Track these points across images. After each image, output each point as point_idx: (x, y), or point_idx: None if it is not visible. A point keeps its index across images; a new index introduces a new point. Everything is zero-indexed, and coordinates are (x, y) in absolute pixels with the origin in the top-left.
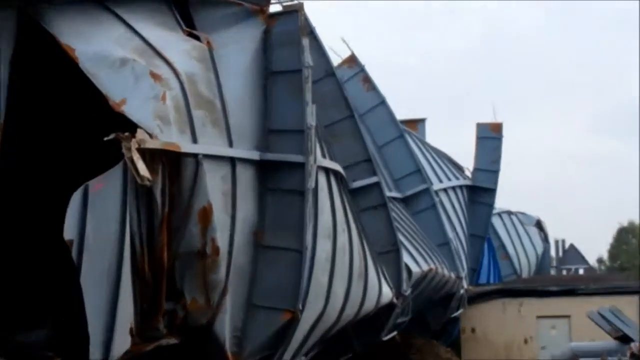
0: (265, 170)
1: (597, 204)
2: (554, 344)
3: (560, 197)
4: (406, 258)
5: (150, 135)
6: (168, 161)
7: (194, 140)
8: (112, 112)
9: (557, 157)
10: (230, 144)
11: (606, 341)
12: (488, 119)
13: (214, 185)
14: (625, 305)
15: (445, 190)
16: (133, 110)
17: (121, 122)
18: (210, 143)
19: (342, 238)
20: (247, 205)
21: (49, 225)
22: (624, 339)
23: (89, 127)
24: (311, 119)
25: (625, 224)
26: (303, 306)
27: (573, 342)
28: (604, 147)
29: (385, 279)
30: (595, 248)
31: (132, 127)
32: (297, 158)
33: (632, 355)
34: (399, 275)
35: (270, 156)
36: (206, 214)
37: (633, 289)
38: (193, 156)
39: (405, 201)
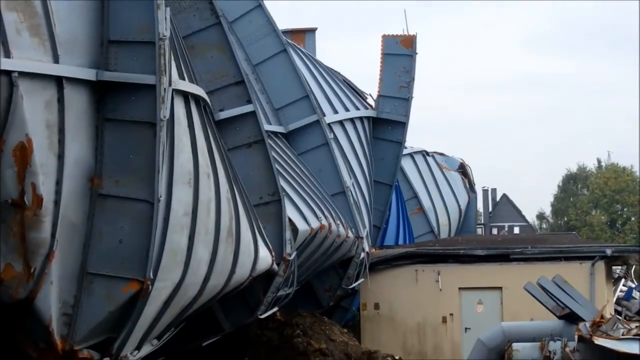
0: (103, 95)
1: (538, 143)
2: (481, 324)
3: (490, 134)
4: (290, 211)
5: None
6: None
7: (6, 52)
8: None
9: (486, 81)
10: (56, 59)
11: (548, 321)
12: (398, 29)
13: (34, 113)
14: (574, 274)
15: (341, 123)
16: None
17: None
18: (29, 57)
19: (206, 185)
20: (79, 141)
21: None
22: (571, 318)
23: None
24: (164, 26)
25: (574, 169)
26: (155, 274)
27: (505, 321)
28: (545, 66)
29: (263, 239)
30: (535, 200)
31: None
32: (145, 79)
33: (581, 338)
34: (281, 235)
35: (110, 75)
36: (24, 153)
37: (584, 253)
38: (5, 74)
39: (290, 137)
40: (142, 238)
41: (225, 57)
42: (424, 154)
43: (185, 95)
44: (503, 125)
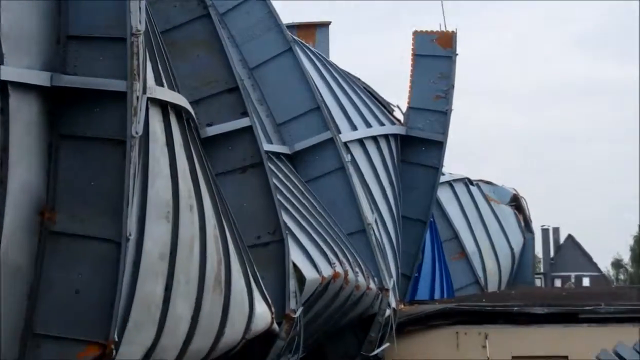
0: (59, 105)
1: (609, 166)
2: None
3: (548, 156)
4: (295, 255)
5: None
6: None
7: None
8: None
9: (535, 89)
10: (0, 59)
11: None
12: (433, 24)
13: None
14: None
15: (361, 142)
16: None
17: None
18: None
19: (189, 220)
20: (27, 163)
21: None
22: None
23: None
24: (138, 18)
25: None
26: (121, 335)
27: None
28: (607, 69)
29: (261, 290)
30: (610, 243)
31: None
32: (113, 84)
33: None
34: (284, 285)
35: (68, 80)
36: None
37: None
38: None
39: (296, 160)
40: (105, 288)
41: (215, 58)
42: (467, 182)
43: (164, 106)
44: (563, 143)
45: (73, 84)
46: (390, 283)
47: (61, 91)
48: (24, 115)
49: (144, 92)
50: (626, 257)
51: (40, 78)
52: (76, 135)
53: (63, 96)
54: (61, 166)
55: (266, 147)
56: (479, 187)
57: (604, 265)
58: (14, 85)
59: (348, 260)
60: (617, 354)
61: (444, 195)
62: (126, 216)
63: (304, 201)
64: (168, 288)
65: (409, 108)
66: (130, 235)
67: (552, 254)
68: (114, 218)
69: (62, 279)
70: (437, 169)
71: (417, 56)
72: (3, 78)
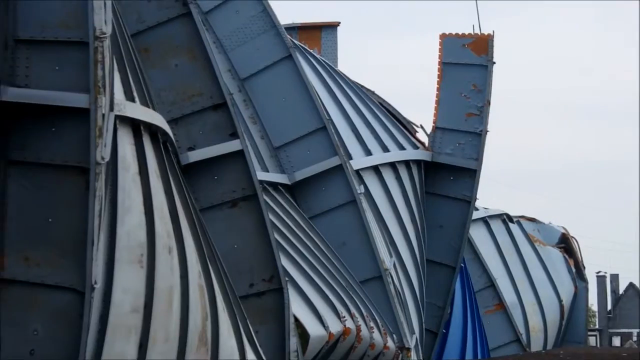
0: (7, 124)
1: None
2: None
3: (603, 186)
4: (297, 307)
5: None
6: None
7: None
8: None
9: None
10: None
11: None
12: (465, 27)
13: None
14: None
15: (377, 169)
16: None
17: None
18: None
19: (167, 266)
20: None
21: None
22: None
23: None
24: (103, 17)
25: None
26: None
27: None
28: None
29: (255, 349)
30: None
31: None
32: (73, 99)
33: None
34: (283, 343)
35: (18, 94)
36: None
37: None
38: None
39: (297, 191)
40: (65, 347)
41: (197, 67)
42: (506, 218)
43: (136, 126)
44: (619, 171)
45: (23, 99)
46: (412, 341)
47: (9, 107)
48: None
49: (111, 108)
50: None
51: None
52: (27, 161)
53: (11, 113)
54: (11, 199)
55: (261, 175)
56: (520, 224)
57: None
58: None
59: (361, 313)
60: None
61: (477, 234)
62: (91, 260)
63: (307, 242)
64: (142, 347)
65: (435, 128)
66: (96, 283)
67: (609, 306)
68: (76, 262)
69: (13, 337)
70: (469, 203)
71: (445, 64)
72: None
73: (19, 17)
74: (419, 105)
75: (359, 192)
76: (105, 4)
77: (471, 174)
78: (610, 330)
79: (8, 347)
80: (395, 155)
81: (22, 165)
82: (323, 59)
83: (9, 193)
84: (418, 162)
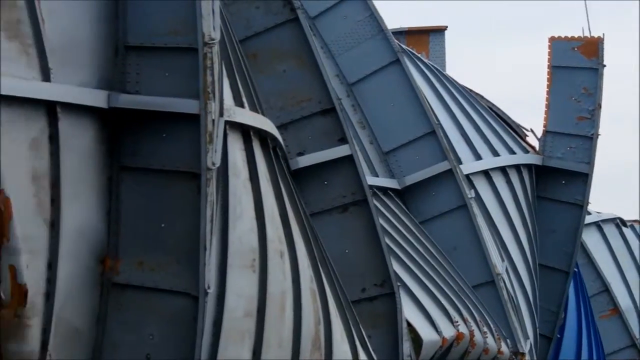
0: (118, 130)
1: None
2: None
3: None
4: (409, 312)
5: None
6: None
7: None
8: None
9: None
10: (46, 75)
11: None
12: (574, 30)
13: (13, 158)
14: None
15: (487, 174)
16: None
17: None
18: (5, 72)
19: (279, 270)
20: (83, 200)
21: None
22: None
23: None
24: (211, 24)
25: None
26: None
27: None
28: None
29: (368, 353)
30: None
31: None
32: (183, 105)
33: None
34: (396, 347)
35: (129, 100)
36: None
37: None
38: None
39: (408, 196)
40: (180, 351)
41: (305, 72)
42: (619, 222)
43: (246, 131)
44: None
45: (135, 105)
46: (526, 346)
47: (121, 113)
48: (77, 144)
49: (221, 114)
50: None
51: (96, 98)
52: (139, 167)
53: (123, 119)
54: (124, 204)
55: (370, 180)
56: (634, 228)
57: None
58: (64, 107)
59: (474, 318)
60: None
61: (590, 238)
62: (204, 265)
63: (418, 246)
64: (256, 352)
65: (546, 132)
66: (209, 288)
67: None
68: (190, 267)
69: (128, 342)
70: (581, 207)
71: (554, 68)
72: (50, 98)
73: (129, 23)
74: (529, 109)
75: (469, 196)
76: (213, 10)
77: (583, 178)
78: None
79: (124, 351)
80: (505, 159)
81: (134, 171)
82: (431, 63)
83: (122, 199)
84: (529, 166)
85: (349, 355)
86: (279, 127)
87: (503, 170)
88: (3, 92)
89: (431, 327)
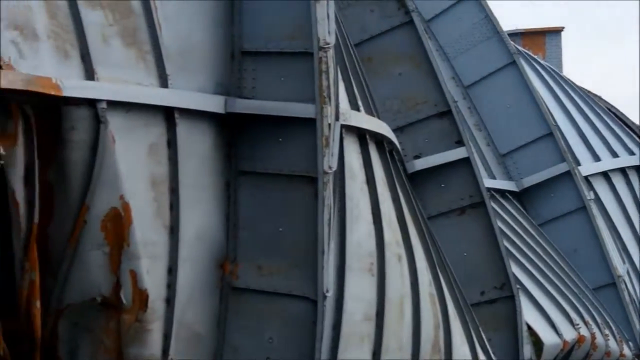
0: (236, 135)
1: None
2: None
3: None
4: (529, 314)
5: None
6: (37, 116)
7: (88, 71)
8: None
9: None
10: (164, 81)
11: None
12: None
13: (132, 164)
14: None
15: (606, 175)
16: None
17: None
18: (121, 78)
19: (397, 274)
20: (202, 206)
21: None
22: None
23: None
24: (327, 28)
25: None
26: None
27: None
28: None
29: (488, 356)
30: None
31: None
32: (299, 109)
33: None
34: (517, 350)
35: (246, 105)
36: (119, 225)
37: None
38: (86, 105)
39: (525, 198)
40: (300, 355)
41: (421, 75)
42: None
43: (362, 135)
44: None
45: (251, 110)
46: None
47: (238, 118)
48: (195, 149)
49: (337, 118)
50: None
51: (213, 103)
52: (257, 172)
53: (240, 124)
54: (242, 209)
55: (488, 182)
56: None
57: None
58: (181, 113)
59: (595, 320)
60: None
61: None
62: (322, 269)
63: (537, 249)
64: (375, 355)
65: None
66: (327, 292)
67: None
68: (308, 271)
69: (248, 345)
70: None
71: None
72: (168, 104)
73: (244, 29)
74: None
75: (588, 198)
76: (328, 14)
77: None
78: None
79: (244, 355)
80: (625, 160)
81: (252, 176)
82: (547, 64)
83: (239, 203)
84: None
85: (469, 357)
86: (395, 130)
87: (623, 171)
88: (121, 99)
89: (552, 330)
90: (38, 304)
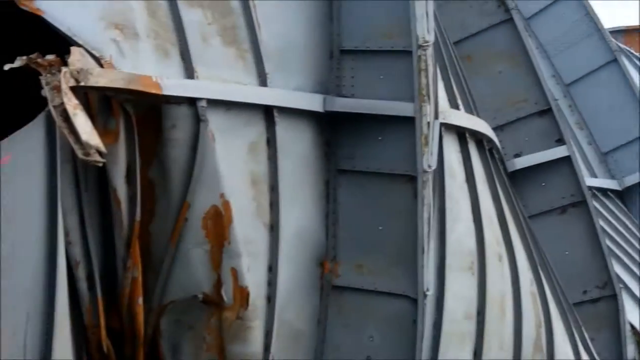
0: (335, 133)
1: None
2: None
3: None
4: (633, 314)
5: (99, 61)
6: (138, 114)
7: (187, 70)
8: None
9: None
10: (263, 80)
11: None
12: None
13: (232, 163)
14: None
15: None
16: (58, 10)
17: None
18: (221, 77)
19: (498, 273)
20: (302, 204)
21: None
22: None
23: None
24: (426, 27)
25: None
26: None
27: None
28: None
29: (591, 355)
30: None
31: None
32: (399, 108)
33: None
34: (620, 350)
35: (345, 104)
36: (219, 223)
37: None
38: (186, 103)
39: (628, 197)
40: (400, 354)
41: (521, 73)
42: None
43: (461, 133)
44: None
45: (350, 108)
46: None
47: (337, 117)
48: (294, 147)
49: (436, 116)
50: None
51: (312, 102)
52: (356, 170)
53: (339, 123)
54: (341, 208)
55: (589, 181)
56: None
57: None
58: (281, 111)
59: None
60: None
61: None
62: (422, 268)
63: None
64: (477, 354)
65: None
66: (428, 290)
67: None
68: (408, 270)
69: (349, 344)
70: None
71: None
72: (268, 103)
73: (343, 27)
74: None
75: None
76: (427, 13)
77: None
78: None
79: (345, 354)
80: None
81: (351, 174)
82: None
83: (339, 202)
84: None
85: (571, 357)
86: (495, 129)
87: None
88: (221, 97)
89: None
90: (140, 301)
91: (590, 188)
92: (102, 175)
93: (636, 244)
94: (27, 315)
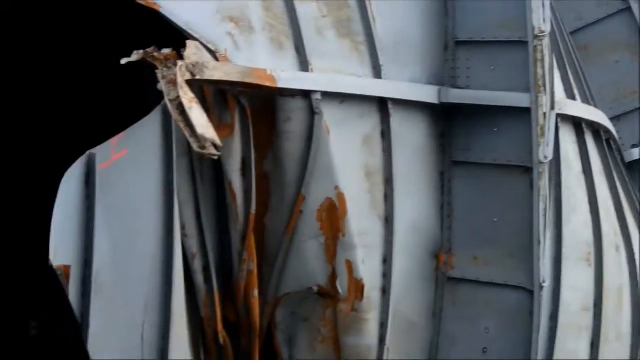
0: (449, 125)
1: None
2: None
3: None
4: None
5: (215, 55)
6: (253, 107)
7: (302, 62)
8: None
9: None
10: (378, 72)
11: None
12: None
13: (347, 155)
14: None
15: None
16: (174, 5)
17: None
18: (335, 69)
19: (615, 264)
20: (417, 196)
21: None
22: None
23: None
24: (541, 17)
25: None
26: None
27: None
28: None
29: None
30: None
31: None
32: (514, 99)
33: None
34: None
35: (460, 95)
36: (334, 215)
37: None
38: (301, 96)
39: None
40: (516, 345)
41: (638, 62)
42: None
43: (578, 124)
44: None
45: (465, 100)
46: None
47: (452, 108)
48: (408, 139)
49: (552, 107)
50: None
51: (427, 93)
52: (471, 162)
53: (454, 115)
54: (456, 199)
55: None
56: None
57: None
58: (396, 103)
59: None
60: None
61: None
62: (538, 259)
63: None
64: (594, 346)
65: None
66: (544, 282)
67: None
68: (524, 261)
69: (465, 336)
70: None
71: None
72: (382, 95)
73: (458, 19)
74: None
75: None
76: (543, 3)
77: None
78: None
79: (461, 345)
80: None
81: (466, 166)
82: None
83: (454, 194)
84: None
85: None
86: (612, 119)
87: None
88: (336, 90)
89: None
90: (256, 292)
91: None
92: (217, 168)
93: None
94: (145, 307)
